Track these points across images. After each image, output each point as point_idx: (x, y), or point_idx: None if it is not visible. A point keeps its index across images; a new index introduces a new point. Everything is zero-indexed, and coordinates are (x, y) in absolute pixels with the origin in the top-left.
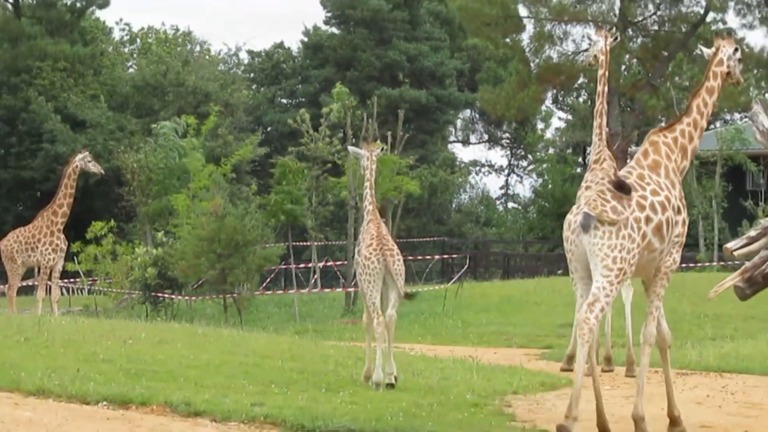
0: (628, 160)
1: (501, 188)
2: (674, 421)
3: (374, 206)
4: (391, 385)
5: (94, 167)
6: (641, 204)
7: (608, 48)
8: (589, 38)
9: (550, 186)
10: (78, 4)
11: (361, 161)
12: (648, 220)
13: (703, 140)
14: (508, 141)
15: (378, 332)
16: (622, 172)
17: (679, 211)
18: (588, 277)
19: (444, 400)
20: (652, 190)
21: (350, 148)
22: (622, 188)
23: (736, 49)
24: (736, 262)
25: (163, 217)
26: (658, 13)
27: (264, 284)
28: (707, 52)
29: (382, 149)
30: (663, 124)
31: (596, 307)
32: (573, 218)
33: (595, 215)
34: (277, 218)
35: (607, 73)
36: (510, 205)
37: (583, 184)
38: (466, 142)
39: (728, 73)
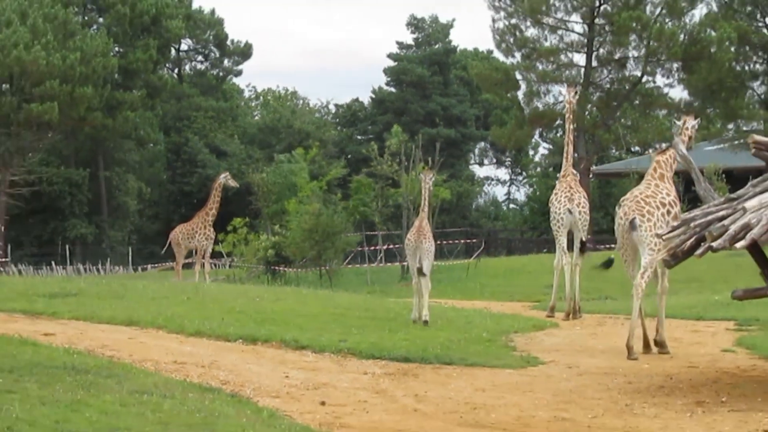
0: (590, 176)
1: (505, 195)
2: (662, 344)
3: (424, 210)
4: (425, 323)
5: (233, 183)
6: (663, 203)
7: (573, 100)
8: (561, 93)
9: (538, 193)
10: (221, 74)
11: (423, 182)
12: (668, 213)
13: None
14: (509, 163)
15: (415, 288)
16: (642, 183)
17: (675, 206)
18: (634, 258)
19: (468, 337)
20: (667, 193)
21: (422, 175)
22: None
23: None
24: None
25: (278, 215)
26: (609, 76)
27: (346, 260)
28: (678, 123)
29: (433, 175)
30: (615, 153)
31: (645, 274)
32: (623, 223)
33: (639, 218)
34: (354, 216)
35: (572, 116)
36: (511, 206)
37: (555, 190)
38: (481, 163)
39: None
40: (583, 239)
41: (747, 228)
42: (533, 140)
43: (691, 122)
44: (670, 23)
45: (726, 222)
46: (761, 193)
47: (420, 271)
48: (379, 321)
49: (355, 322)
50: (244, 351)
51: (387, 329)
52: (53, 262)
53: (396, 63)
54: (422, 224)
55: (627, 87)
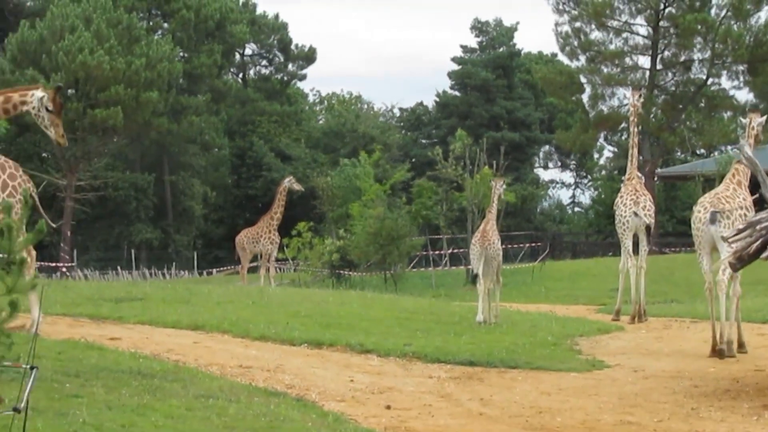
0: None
1: (570, 198)
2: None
3: (491, 214)
4: (492, 324)
5: (297, 187)
6: (741, 205)
7: (638, 103)
8: (626, 96)
9: (602, 196)
10: (285, 78)
11: (493, 188)
12: (744, 216)
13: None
14: (574, 166)
15: (479, 291)
16: (721, 185)
17: (750, 210)
18: (710, 253)
19: (533, 341)
20: (744, 198)
21: (492, 181)
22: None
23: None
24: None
25: (343, 219)
26: (675, 78)
27: (411, 264)
28: (744, 121)
29: (504, 183)
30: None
31: (727, 270)
32: (702, 216)
33: (718, 210)
34: (418, 220)
35: (636, 119)
36: (576, 209)
37: (620, 194)
38: (546, 167)
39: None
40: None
41: None
42: (598, 143)
43: (758, 120)
44: (735, 25)
45: None
46: None
47: (476, 278)
48: (444, 325)
49: (420, 326)
50: (309, 355)
51: (452, 333)
52: (119, 267)
53: (460, 66)
54: (486, 228)
55: (692, 89)
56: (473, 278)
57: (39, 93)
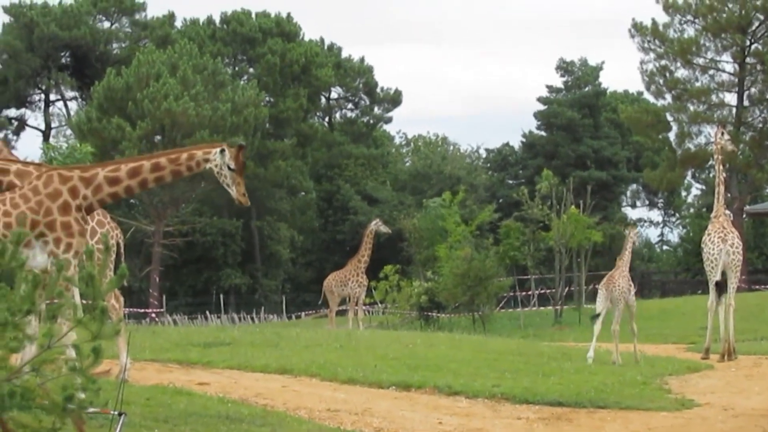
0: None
1: (658, 236)
2: None
3: (621, 261)
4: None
5: (384, 229)
6: None
7: (722, 140)
8: (711, 135)
9: (691, 234)
10: (371, 121)
11: (627, 236)
12: None
13: None
14: (662, 204)
15: (595, 330)
16: None
17: None
18: None
19: (621, 380)
20: None
21: (626, 230)
22: None
23: None
24: None
25: (430, 261)
26: (762, 115)
27: (499, 305)
28: None
29: (637, 231)
30: None
31: None
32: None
33: None
34: (505, 261)
35: (722, 157)
36: (664, 247)
37: (707, 231)
38: (633, 205)
39: None
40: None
41: None
42: (685, 181)
43: None
44: None
45: None
46: None
47: (597, 317)
48: (532, 365)
49: (509, 367)
50: (397, 397)
51: (540, 373)
52: (207, 312)
53: (546, 106)
54: (615, 273)
55: None
56: (594, 317)
57: (224, 149)
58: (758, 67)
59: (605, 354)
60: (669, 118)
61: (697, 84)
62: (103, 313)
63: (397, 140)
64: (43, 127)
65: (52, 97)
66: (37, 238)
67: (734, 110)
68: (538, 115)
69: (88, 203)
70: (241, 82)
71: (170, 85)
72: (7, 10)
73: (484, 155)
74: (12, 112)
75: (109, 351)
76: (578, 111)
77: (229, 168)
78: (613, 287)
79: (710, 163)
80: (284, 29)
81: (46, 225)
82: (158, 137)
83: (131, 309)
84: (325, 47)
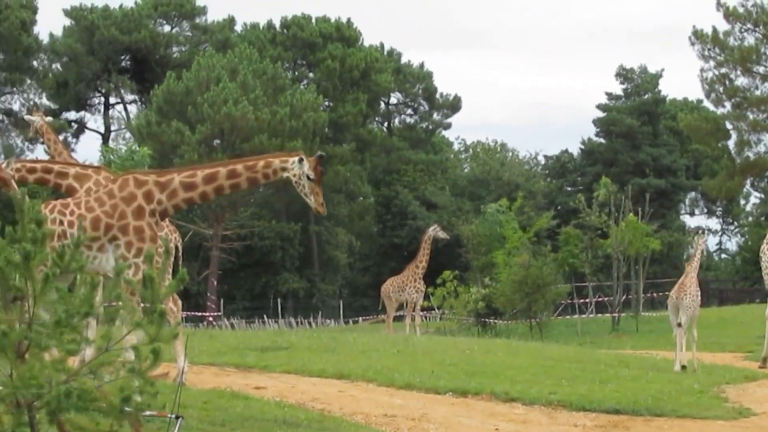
0: None
1: (716, 244)
2: None
3: (690, 267)
4: (683, 368)
5: (442, 235)
6: None
7: None
8: None
9: (749, 243)
10: (430, 126)
11: (696, 243)
12: None
13: None
14: (720, 212)
15: (677, 341)
16: None
17: None
18: None
19: (679, 388)
20: None
21: (696, 236)
22: None
23: None
24: None
25: (488, 267)
26: None
27: (556, 312)
28: None
29: (705, 239)
30: None
31: None
32: None
33: None
34: (564, 268)
35: None
36: (723, 255)
37: (766, 240)
38: (692, 213)
39: None
40: None
41: None
42: (744, 189)
43: None
44: None
45: None
46: None
47: (679, 325)
48: (589, 373)
49: (566, 374)
50: (454, 404)
51: (597, 381)
52: (265, 316)
53: (605, 114)
54: (685, 280)
55: None
56: (678, 326)
57: (302, 159)
58: None
59: (662, 362)
60: (728, 126)
61: (757, 92)
62: (162, 317)
63: (456, 146)
64: (102, 130)
65: (112, 100)
66: (110, 241)
67: None
68: (597, 122)
69: (162, 208)
70: (301, 87)
71: (230, 89)
72: (67, 13)
73: (542, 162)
74: (72, 115)
75: (166, 354)
76: (637, 118)
77: (308, 178)
78: (684, 295)
79: None
80: (344, 34)
81: (120, 228)
82: (217, 141)
83: (189, 312)
84: (385, 52)
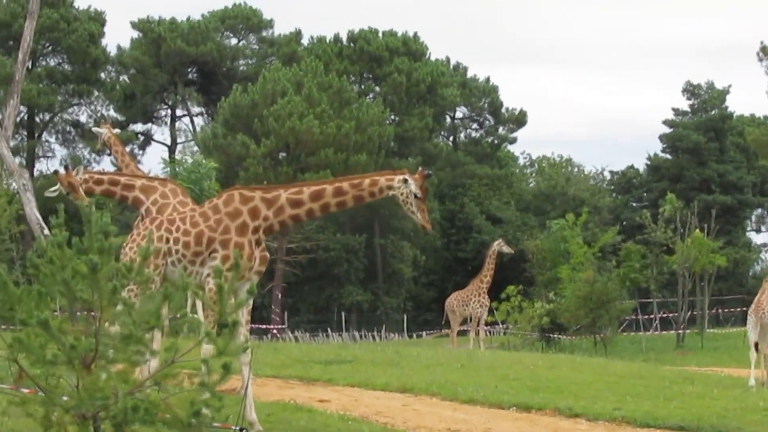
0: None
1: None
2: None
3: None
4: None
5: (507, 250)
6: None
7: None
8: None
9: None
10: (495, 141)
11: None
12: None
13: None
14: None
15: (752, 358)
16: None
17: None
18: None
19: (743, 406)
20: None
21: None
22: None
23: None
24: None
25: (552, 282)
26: None
27: (621, 328)
28: None
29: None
30: None
31: None
32: None
33: None
34: (625, 283)
35: None
36: None
37: None
38: (758, 230)
39: None
40: None
41: None
42: None
43: None
44: None
45: None
46: None
47: (756, 346)
48: (653, 389)
49: (630, 390)
50: (517, 419)
51: (662, 397)
52: (329, 329)
53: (671, 129)
54: (761, 298)
55: None
56: (755, 346)
57: (406, 179)
58: None
59: (727, 379)
60: None
61: None
62: (233, 330)
63: (521, 161)
64: (168, 142)
65: (179, 112)
66: (209, 255)
67: None
68: (663, 138)
69: (268, 224)
70: (366, 100)
71: (295, 102)
72: (135, 25)
73: (608, 177)
74: (139, 127)
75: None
76: (704, 134)
77: (415, 196)
78: (762, 313)
79: None
80: (411, 48)
81: (221, 242)
82: (283, 154)
83: (253, 325)
84: (451, 67)
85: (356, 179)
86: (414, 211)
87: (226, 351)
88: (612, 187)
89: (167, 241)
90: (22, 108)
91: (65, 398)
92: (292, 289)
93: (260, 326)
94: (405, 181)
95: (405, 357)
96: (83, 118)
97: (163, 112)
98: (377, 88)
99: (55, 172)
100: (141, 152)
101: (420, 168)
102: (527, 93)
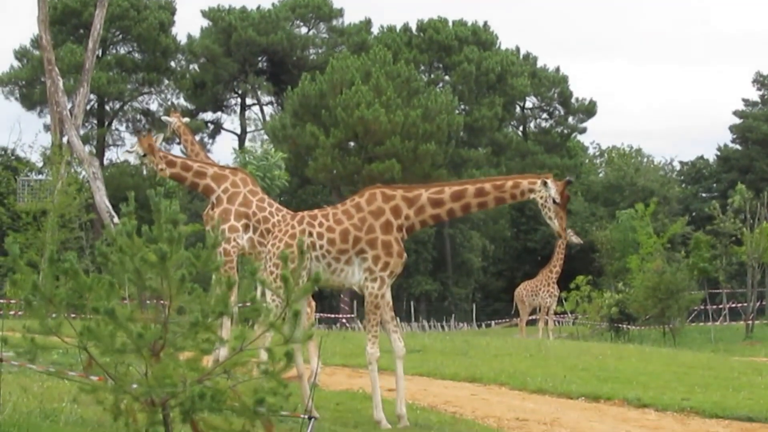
0: None
1: None
2: None
3: None
4: None
5: (576, 240)
6: None
7: None
8: None
9: None
10: (565, 131)
11: None
12: None
13: None
14: None
15: None
16: None
17: None
18: None
19: None
20: None
21: None
22: None
23: None
24: None
25: (621, 273)
26: None
27: (690, 318)
28: None
29: None
30: None
31: None
32: None
33: None
34: (694, 273)
35: None
36: None
37: None
38: None
39: None
40: None
41: None
42: None
43: None
44: None
45: None
46: None
47: None
48: (722, 380)
49: (698, 381)
50: (586, 408)
51: (730, 388)
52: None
53: (742, 120)
54: None
55: None
56: None
57: (549, 184)
58: None
59: None
60: None
61: None
62: (297, 318)
63: (591, 151)
64: (238, 131)
65: (248, 101)
66: (357, 254)
67: None
68: (733, 128)
69: (410, 223)
70: (436, 89)
71: (362, 92)
72: (205, 14)
73: (677, 168)
74: (208, 116)
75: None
76: None
77: (554, 201)
78: None
79: None
80: (480, 38)
81: (368, 242)
82: (351, 144)
83: (322, 314)
84: (521, 56)
85: (499, 180)
86: (551, 217)
87: (291, 339)
88: (681, 177)
89: (310, 234)
90: (92, 96)
91: (134, 386)
92: None
93: (329, 315)
94: (545, 184)
95: (474, 347)
96: (153, 107)
97: (233, 101)
98: (446, 78)
99: (138, 131)
100: (210, 141)
101: (567, 177)
102: (597, 83)
